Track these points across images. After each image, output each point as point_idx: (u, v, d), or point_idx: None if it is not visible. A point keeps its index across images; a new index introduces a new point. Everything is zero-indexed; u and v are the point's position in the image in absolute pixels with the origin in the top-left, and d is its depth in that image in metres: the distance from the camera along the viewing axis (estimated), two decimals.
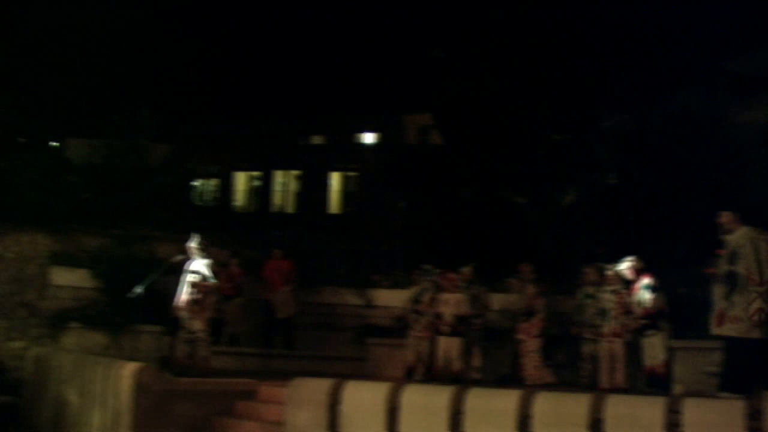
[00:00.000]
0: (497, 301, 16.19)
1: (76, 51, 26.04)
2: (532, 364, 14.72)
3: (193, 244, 13.51)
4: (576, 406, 8.35)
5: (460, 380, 13.58)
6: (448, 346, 14.55)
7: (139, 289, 13.69)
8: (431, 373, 14.69)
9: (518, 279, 15.80)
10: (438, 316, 14.83)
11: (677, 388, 12.89)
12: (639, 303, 13.40)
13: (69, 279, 17.56)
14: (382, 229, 26.66)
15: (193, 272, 13.40)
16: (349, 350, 17.80)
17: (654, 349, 13.20)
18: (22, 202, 18.62)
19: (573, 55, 27.07)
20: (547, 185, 23.40)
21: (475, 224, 26.37)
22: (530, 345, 14.82)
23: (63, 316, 16.95)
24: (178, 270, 13.74)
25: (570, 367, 14.90)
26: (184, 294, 13.36)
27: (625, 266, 13.75)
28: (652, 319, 13.27)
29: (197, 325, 13.17)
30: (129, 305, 14.45)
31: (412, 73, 39.26)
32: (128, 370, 11.42)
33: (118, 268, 17.07)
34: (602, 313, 13.83)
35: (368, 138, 43.34)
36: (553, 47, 28.00)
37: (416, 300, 15.46)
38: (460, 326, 14.67)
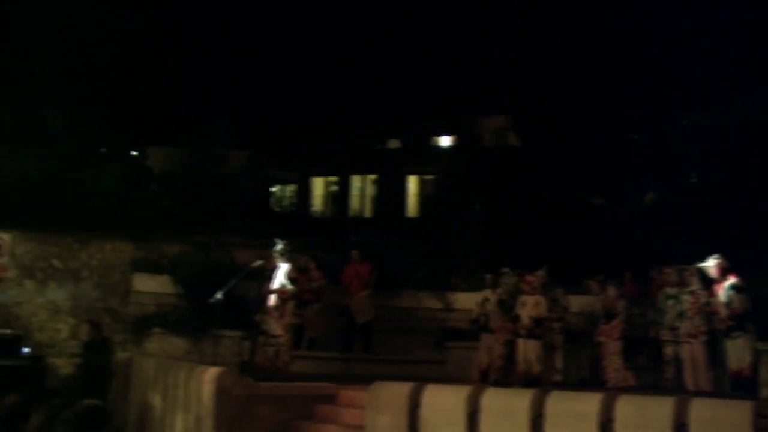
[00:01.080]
0: (576, 303, 16.02)
1: (154, 61, 26.49)
2: (613, 366, 14.53)
3: (276, 249, 13.56)
4: (659, 409, 8.20)
5: (540, 383, 13.46)
6: (527, 349, 14.44)
7: (219, 295, 13.80)
8: (511, 376, 14.60)
9: (596, 281, 15.68)
10: (516, 318, 14.74)
11: (764, 392, 12.58)
12: (728, 303, 13.12)
13: (151, 285, 17.93)
14: (459, 232, 26.39)
15: (273, 278, 13.46)
16: (428, 354, 17.76)
17: (739, 351, 12.92)
18: (105, 210, 19.04)
19: (651, 53, 26.68)
20: (625, 185, 23.08)
21: (553, 226, 26.12)
22: (611, 347, 14.64)
23: (146, 322, 17.30)
24: (257, 275, 13.84)
25: (652, 370, 14.67)
26: (264, 299, 13.44)
27: (710, 264, 13.49)
28: (737, 320, 12.99)
29: (277, 329, 13.22)
30: (210, 311, 14.60)
31: (488, 75, 39.00)
32: (210, 374, 11.54)
33: (198, 274, 17.32)
34: (681, 314, 13.59)
35: (445, 141, 43.21)
36: (631, 45, 27.65)
37: (490, 302, 15.44)
38: (537, 328, 14.55)
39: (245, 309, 14.57)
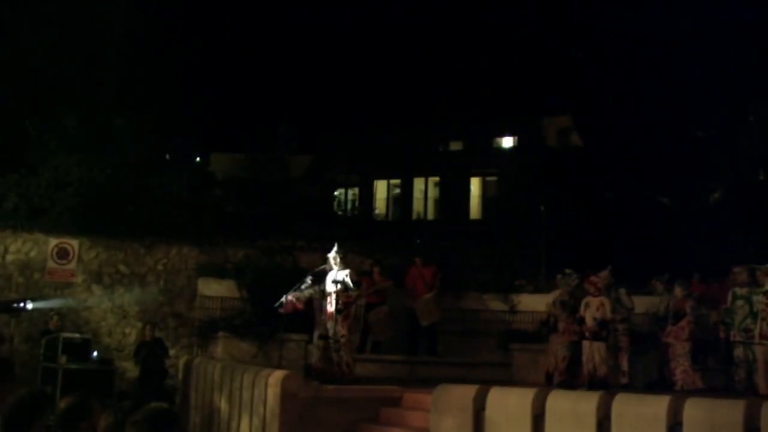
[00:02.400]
0: (640, 303, 15.83)
1: (218, 68, 26.85)
2: (681, 368, 14.35)
3: (332, 253, 13.61)
4: (730, 412, 8.05)
5: (607, 385, 13.33)
6: (592, 351, 14.29)
7: (284, 299, 13.86)
8: (577, 379, 14.48)
9: (661, 281, 15.51)
10: (580, 320, 14.61)
11: None
12: None
13: (216, 290, 18.11)
14: (523, 234, 26.34)
15: (336, 281, 13.49)
16: (493, 356, 17.67)
17: None
18: (170, 216, 19.31)
19: (716, 49, 26.29)
20: (691, 184, 22.78)
21: (618, 226, 25.87)
22: (679, 349, 14.46)
23: (211, 326, 17.48)
24: (321, 279, 13.89)
25: (721, 372, 14.44)
26: (327, 303, 13.48)
27: None
28: None
29: (341, 331, 13.25)
30: (274, 314, 14.67)
31: (550, 74, 38.83)
32: (275, 378, 11.62)
33: (263, 278, 17.44)
34: (754, 315, 13.35)
35: (507, 142, 43.06)
36: (695, 41, 27.28)
37: (557, 303, 15.34)
38: (602, 330, 14.39)
39: (310, 313, 14.64)
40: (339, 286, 13.32)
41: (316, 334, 13.85)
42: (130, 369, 17.48)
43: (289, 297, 13.40)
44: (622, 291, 15.36)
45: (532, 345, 16.93)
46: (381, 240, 21.87)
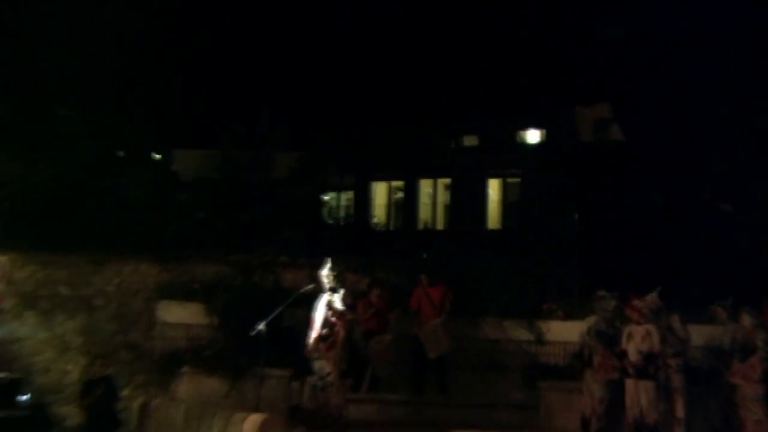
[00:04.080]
0: (698, 333, 15.63)
1: (182, 49, 26.75)
2: (753, 418, 14.15)
3: (324, 271, 13.48)
4: None
5: None
6: (638, 392, 14.11)
7: (262, 326, 13.77)
8: (620, 426, 14.30)
9: (724, 307, 15.33)
10: (622, 353, 14.40)
11: None
12: None
13: (180, 315, 17.99)
14: (552, 247, 26.16)
15: (325, 304, 13.37)
16: (516, 396, 17.52)
17: None
18: (124, 225, 19.18)
19: None
20: (757, 187, 22.68)
21: (668, 237, 25.73)
22: (749, 391, 14.28)
23: (174, 359, 17.34)
24: (309, 302, 13.76)
25: None
26: (314, 330, 13.35)
27: None
28: None
29: (326, 367, 13.13)
30: (251, 345, 14.54)
31: (583, 57, 38.73)
32: (252, 422, 11.57)
33: (238, 301, 17.32)
34: None
35: (532, 136, 42.92)
36: (750, 19, 27.25)
37: (592, 333, 15.15)
38: (650, 366, 14.18)
39: (294, 342, 14.49)
40: (329, 309, 13.25)
41: (307, 369, 13.77)
42: (70, 415, 17.29)
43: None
44: (675, 318, 15.15)
45: (564, 383, 16.71)
46: (380, 254, 21.75)
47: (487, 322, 18.60)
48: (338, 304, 13.30)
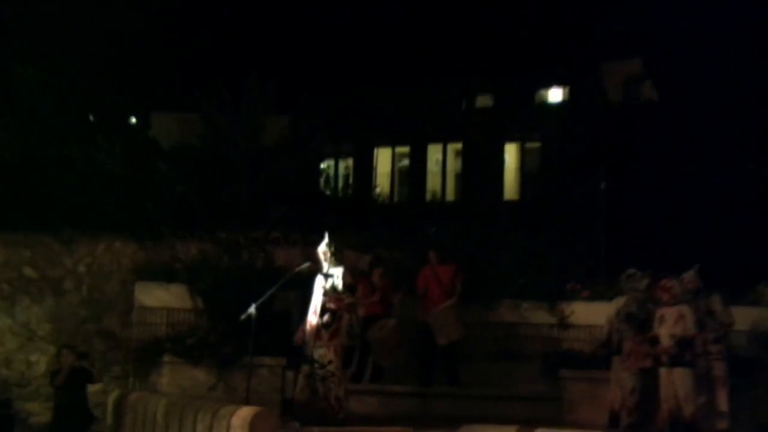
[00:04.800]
0: (743, 317, 15.69)
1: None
2: None
3: (321, 248, 13.55)
4: None
5: (694, 430, 13.24)
6: (671, 381, 14.13)
7: (252, 310, 13.78)
8: (653, 420, 14.36)
9: None
10: (654, 339, 14.45)
11: None
12: None
13: (160, 298, 17.99)
14: (576, 220, 26.25)
15: (323, 286, 13.43)
16: (535, 387, 17.64)
17: None
18: (96, 199, 19.16)
19: None
20: None
21: (707, 210, 25.78)
22: None
23: (153, 348, 17.37)
24: (304, 283, 13.82)
25: None
26: (311, 315, 13.43)
27: None
28: None
29: (328, 355, 13.19)
30: (240, 331, 14.60)
31: (612, 4, 38.57)
32: (241, 417, 11.54)
33: (225, 282, 17.38)
34: None
35: (554, 96, 42.89)
36: None
37: (621, 316, 15.18)
38: (685, 352, 14.20)
39: (288, 328, 14.57)
40: (328, 291, 13.28)
41: (302, 357, 13.83)
42: (36, 412, 17.39)
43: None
44: (716, 300, 15.15)
45: (589, 372, 16.82)
46: (383, 229, 21.78)
47: (503, 305, 18.70)
48: (339, 286, 13.30)
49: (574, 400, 16.75)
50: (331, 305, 13.25)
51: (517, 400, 16.73)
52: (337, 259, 13.51)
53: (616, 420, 14.87)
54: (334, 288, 13.26)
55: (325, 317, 13.20)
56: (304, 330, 13.53)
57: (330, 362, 13.15)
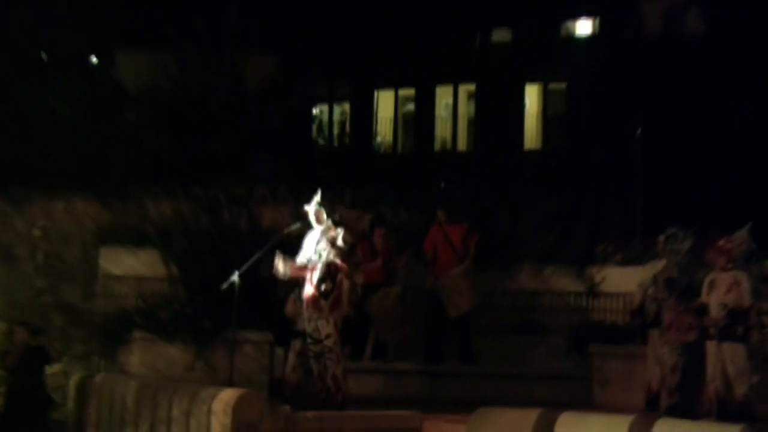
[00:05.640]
0: None
1: None
2: None
3: (312, 206, 13.53)
4: None
5: (748, 414, 13.28)
6: (720, 357, 14.12)
7: (235, 278, 13.79)
8: (698, 402, 14.40)
9: None
10: (701, 308, 14.44)
11: None
12: None
13: (129, 266, 18.09)
14: (608, 173, 26.22)
15: (317, 250, 13.42)
16: (561, 364, 17.73)
17: None
18: (51, 151, 19.14)
19: None
20: None
21: (761, 161, 25.80)
22: None
23: (122, 323, 17.44)
24: (294, 246, 13.83)
25: None
26: (306, 284, 13.43)
27: None
28: None
29: (326, 328, 13.19)
30: (222, 302, 14.65)
31: None
32: (223, 401, 11.61)
33: (203, 246, 17.44)
34: None
35: (582, 28, 42.80)
36: None
37: (660, 282, 15.17)
38: (738, 325, 14.17)
39: (276, 298, 14.62)
40: (324, 254, 13.23)
41: (293, 331, 13.88)
42: None
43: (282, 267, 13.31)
44: None
45: (623, 347, 16.91)
46: (386, 184, 21.82)
47: (523, 271, 18.76)
48: (337, 249, 13.19)
49: (606, 380, 16.80)
50: (329, 273, 13.17)
51: (540, 380, 16.85)
52: (332, 219, 13.45)
53: (655, 402, 14.81)
54: (334, 245, 13.13)
55: (323, 285, 13.15)
56: (295, 299, 13.57)
57: (328, 336, 13.10)
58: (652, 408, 14.64)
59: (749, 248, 14.73)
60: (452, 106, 42.67)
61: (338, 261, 13.17)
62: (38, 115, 19.87)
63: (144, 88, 22.62)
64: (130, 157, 19.70)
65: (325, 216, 13.36)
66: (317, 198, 13.47)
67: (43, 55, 23.93)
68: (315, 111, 37.10)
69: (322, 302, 13.08)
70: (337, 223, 13.30)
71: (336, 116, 41.73)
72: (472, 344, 17.62)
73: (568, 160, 31.54)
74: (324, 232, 13.26)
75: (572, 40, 42.30)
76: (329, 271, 13.14)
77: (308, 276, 13.28)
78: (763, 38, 29.42)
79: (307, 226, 13.50)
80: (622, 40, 37.02)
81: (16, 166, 18.74)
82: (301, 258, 13.36)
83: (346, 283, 13.50)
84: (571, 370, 17.31)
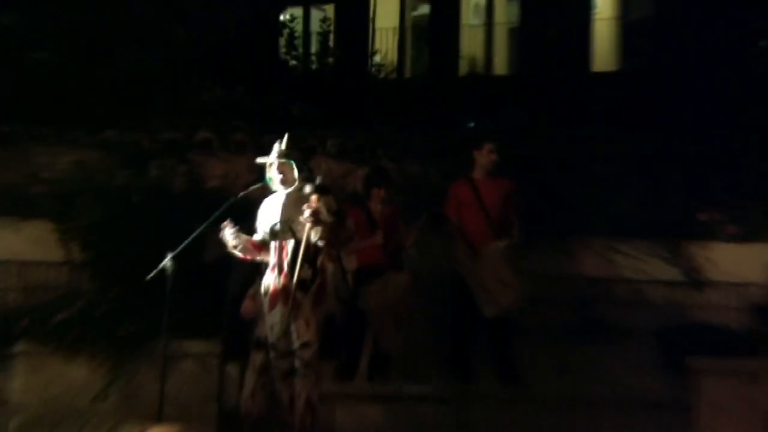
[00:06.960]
0: None
1: None
2: None
3: (274, 156, 13.41)
4: None
5: None
6: None
7: (168, 262, 13.77)
8: None
9: None
10: None
11: None
12: None
13: (9, 246, 17.99)
14: (714, 103, 26.11)
15: (285, 221, 13.33)
16: (649, 384, 17.64)
17: None
18: None
19: None
20: None
21: None
22: None
23: (4, 329, 17.42)
24: (251, 215, 13.79)
25: None
26: (269, 271, 13.39)
27: None
28: None
29: (303, 335, 13.11)
30: (148, 299, 14.64)
31: None
32: None
33: (120, 216, 17.39)
34: None
35: None
36: None
37: None
38: None
39: (226, 292, 14.61)
40: (296, 229, 13.14)
41: (253, 339, 13.89)
42: None
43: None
44: None
45: (739, 361, 16.78)
46: (388, 124, 21.79)
47: (590, 248, 18.65)
48: (320, 218, 12.93)
49: (715, 406, 16.68)
50: (317, 239, 12.94)
51: (615, 407, 16.74)
52: (306, 174, 13.36)
53: None
54: (310, 224, 12.96)
55: (304, 269, 12.97)
56: (254, 296, 13.55)
57: (305, 345, 13.01)
58: None
59: None
60: (485, 9, 42.53)
61: (318, 239, 13.02)
62: None
63: None
64: (10, 84, 19.63)
65: (296, 173, 13.27)
66: (282, 145, 13.36)
67: None
68: (284, 17, 37.02)
69: (298, 296, 12.97)
70: (317, 187, 13.13)
71: (315, 25, 41.44)
72: (517, 356, 17.51)
73: (656, 87, 31.43)
74: (294, 198, 13.16)
75: None
76: (306, 253, 13.01)
77: (272, 259, 13.23)
78: None
79: (268, 187, 13.43)
80: None
81: None
82: (260, 233, 13.32)
83: (330, 269, 13.47)
84: (661, 394, 17.23)
